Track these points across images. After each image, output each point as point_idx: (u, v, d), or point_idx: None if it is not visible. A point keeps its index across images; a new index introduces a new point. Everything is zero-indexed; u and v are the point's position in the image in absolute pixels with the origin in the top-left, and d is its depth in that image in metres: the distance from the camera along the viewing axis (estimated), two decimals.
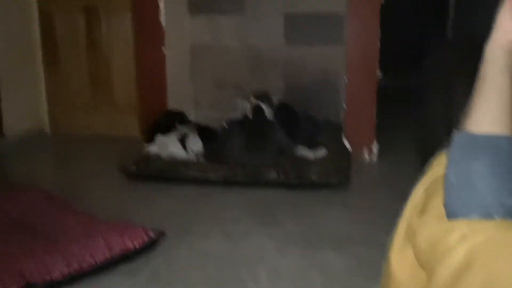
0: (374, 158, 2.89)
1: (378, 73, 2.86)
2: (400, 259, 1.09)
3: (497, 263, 0.68)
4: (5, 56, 3.31)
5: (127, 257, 1.56)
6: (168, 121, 2.75)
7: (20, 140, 3.36)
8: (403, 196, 1.12)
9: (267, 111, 2.77)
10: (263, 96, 2.86)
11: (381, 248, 1.33)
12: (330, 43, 3.14)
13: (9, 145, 3.23)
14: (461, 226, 0.80)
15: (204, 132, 2.85)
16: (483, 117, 0.85)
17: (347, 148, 2.80)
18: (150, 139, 2.78)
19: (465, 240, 0.76)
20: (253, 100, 2.79)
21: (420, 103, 2.00)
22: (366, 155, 2.89)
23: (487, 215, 0.81)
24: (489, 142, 0.82)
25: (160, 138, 2.74)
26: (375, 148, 2.89)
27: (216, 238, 1.83)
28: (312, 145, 2.66)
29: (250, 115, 2.75)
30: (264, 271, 1.55)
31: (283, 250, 1.71)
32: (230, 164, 2.51)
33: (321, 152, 2.62)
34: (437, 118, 1.49)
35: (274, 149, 2.57)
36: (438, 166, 1.09)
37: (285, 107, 2.85)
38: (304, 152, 2.65)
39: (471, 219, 0.82)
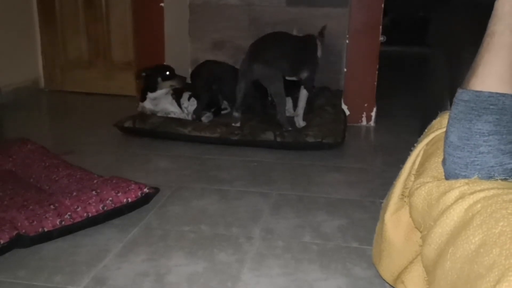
0: (372, 123, 2.87)
1: (381, 37, 2.81)
2: (395, 221, 1.07)
3: (496, 223, 0.66)
4: (0, 10, 3.23)
5: (120, 211, 1.56)
6: (152, 77, 2.72)
7: (15, 95, 3.32)
8: (399, 160, 1.10)
9: None
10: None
11: (375, 211, 1.32)
12: (333, 4, 3.07)
13: (4, 99, 3.20)
14: (460, 185, 0.77)
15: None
16: (489, 75, 0.81)
17: (344, 111, 2.79)
18: (143, 97, 2.75)
19: (463, 199, 0.74)
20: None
21: (423, 66, 1.96)
22: (364, 119, 2.87)
23: (488, 176, 0.78)
24: (493, 101, 0.79)
25: (150, 95, 2.72)
26: (374, 112, 2.87)
27: (211, 197, 1.82)
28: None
29: None
30: (257, 230, 1.55)
31: (277, 210, 1.71)
32: (227, 123, 2.50)
33: None
34: (440, 79, 1.46)
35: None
36: (439, 127, 1.07)
37: None
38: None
39: (471, 179, 0.80)
